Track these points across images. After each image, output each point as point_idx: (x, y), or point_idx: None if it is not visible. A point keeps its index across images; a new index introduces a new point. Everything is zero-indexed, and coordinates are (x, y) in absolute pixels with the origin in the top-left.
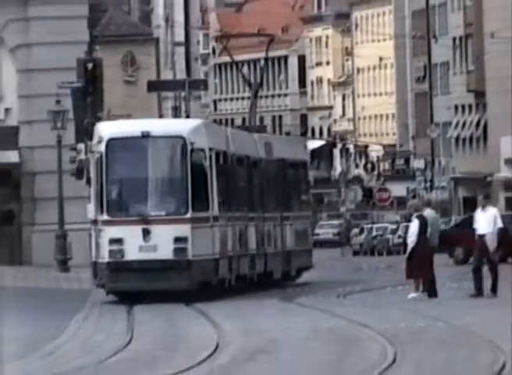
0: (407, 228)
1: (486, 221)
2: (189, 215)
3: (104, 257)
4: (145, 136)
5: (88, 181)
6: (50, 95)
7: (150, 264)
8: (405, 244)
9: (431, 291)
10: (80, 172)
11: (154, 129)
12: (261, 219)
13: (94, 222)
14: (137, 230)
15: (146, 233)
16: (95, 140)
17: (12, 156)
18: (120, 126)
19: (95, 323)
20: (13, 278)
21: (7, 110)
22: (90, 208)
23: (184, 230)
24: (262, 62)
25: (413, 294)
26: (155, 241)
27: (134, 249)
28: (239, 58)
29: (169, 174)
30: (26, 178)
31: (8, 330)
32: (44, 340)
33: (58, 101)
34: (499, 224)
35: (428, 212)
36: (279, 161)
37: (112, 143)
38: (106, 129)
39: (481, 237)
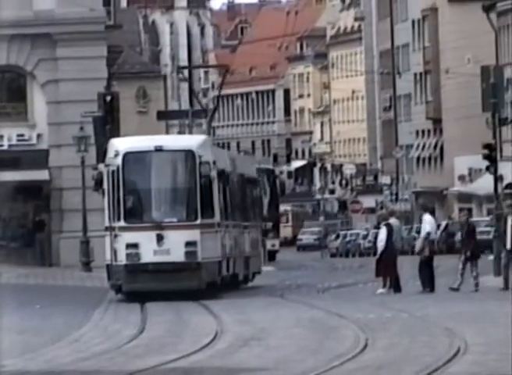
0: (376, 234)
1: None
2: (198, 221)
3: (122, 260)
4: (158, 150)
5: (103, 192)
6: (75, 123)
7: (163, 266)
8: (375, 247)
9: (396, 287)
10: (98, 183)
11: (166, 143)
12: (238, 226)
13: (109, 228)
14: (152, 235)
15: (160, 238)
16: (111, 154)
17: (43, 174)
18: (135, 141)
19: (114, 314)
20: (44, 277)
21: (39, 136)
22: (105, 217)
23: (194, 235)
24: (218, 90)
25: (381, 290)
26: (168, 245)
27: (149, 253)
28: (233, 91)
29: (180, 184)
30: (54, 193)
31: (40, 321)
32: (71, 329)
33: (81, 128)
34: (427, 229)
35: (392, 221)
36: (240, 175)
37: (128, 156)
38: (122, 144)
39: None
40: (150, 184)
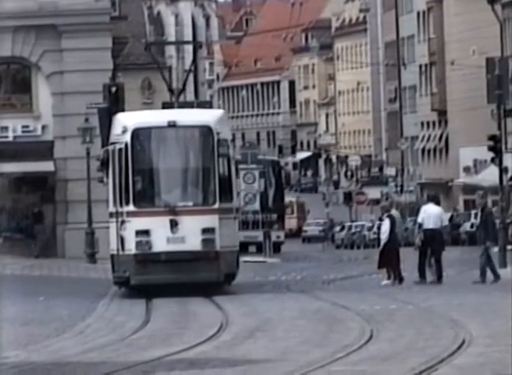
0: (379, 226)
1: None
2: (216, 205)
3: (131, 249)
4: (171, 125)
5: (107, 173)
6: (80, 114)
7: (178, 255)
8: (379, 239)
9: (399, 278)
10: (104, 163)
11: (180, 118)
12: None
13: (115, 214)
14: (165, 221)
15: (173, 224)
16: (118, 130)
17: (48, 166)
18: (145, 115)
19: (118, 306)
20: (49, 269)
21: (44, 127)
22: (109, 201)
23: (212, 221)
24: (189, 67)
25: (386, 281)
26: (183, 232)
27: (162, 241)
28: (238, 83)
29: (196, 164)
30: (60, 184)
31: (45, 312)
32: (76, 320)
33: (86, 120)
34: (418, 220)
35: (393, 213)
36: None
37: (137, 133)
38: (130, 119)
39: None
40: (162, 164)
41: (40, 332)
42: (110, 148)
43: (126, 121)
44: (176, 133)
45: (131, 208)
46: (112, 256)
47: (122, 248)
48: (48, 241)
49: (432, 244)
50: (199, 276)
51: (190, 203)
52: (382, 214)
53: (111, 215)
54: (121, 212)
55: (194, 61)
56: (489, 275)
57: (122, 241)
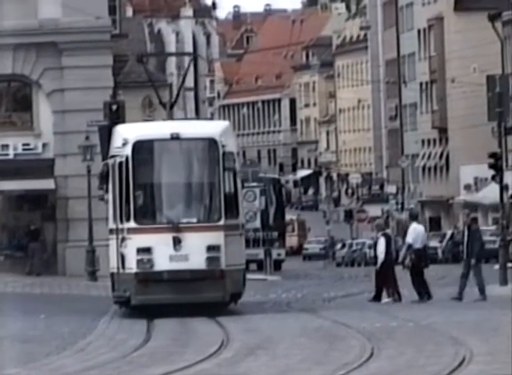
0: (374, 243)
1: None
2: (222, 222)
3: (131, 267)
4: (175, 138)
5: (107, 188)
6: (80, 132)
7: (181, 274)
8: (375, 257)
9: (398, 296)
10: (104, 177)
11: (183, 131)
12: None
13: (116, 231)
14: (167, 238)
15: (177, 241)
16: (118, 142)
17: (48, 184)
18: (147, 127)
19: (119, 323)
20: (50, 286)
21: (44, 145)
22: (109, 217)
23: (217, 238)
24: (183, 76)
25: (386, 300)
26: (187, 250)
27: (164, 259)
28: (239, 100)
29: (201, 178)
30: (60, 202)
31: (46, 330)
32: (76, 338)
33: (87, 138)
34: (409, 240)
35: (414, 225)
36: None
37: (138, 145)
38: (131, 131)
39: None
40: (165, 178)
41: (41, 350)
42: (110, 161)
43: (127, 133)
44: (179, 145)
45: (132, 224)
46: (112, 275)
47: (123, 267)
48: (49, 259)
49: (420, 263)
50: (203, 297)
51: (194, 219)
52: (377, 232)
53: (111, 231)
54: (121, 229)
55: (187, 70)
56: (469, 291)
57: (122, 258)
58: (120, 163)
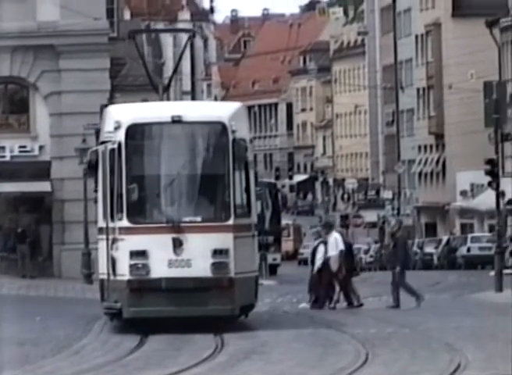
0: (314, 250)
1: (330, 245)
2: (231, 221)
3: (124, 274)
4: (176, 121)
5: (96, 180)
6: (77, 135)
7: (182, 283)
8: (312, 262)
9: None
10: (91, 167)
11: (187, 113)
12: None
13: (105, 230)
14: (166, 239)
15: (177, 243)
16: (109, 126)
17: (45, 186)
18: (143, 109)
19: (114, 326)
20: (45, 289)
21: (41, 147)
22: (99, 214)
23: (225, 240)
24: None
25: (304, 304)
26: (189, 254)
27: (162, 264)
28: None
29: (207, 170)
30: (56, 204)
31: (40, 333)
32: (71, 341)
33: (84, 140)
34: (341, 247)
35: (335, 235)
36: None
37: (133, 130)
38: (125, 113)
39: (328, 259)
40: (164, 169)
41: (36, 352)
42: (100, 148)
43: (120, 115)
44: (181, 130)
45: (125, 223)
46: (102, 282)
47: (114, 273)
48: (44, 261)
49: (341, 270)
50: (208, 309)
51: (198, 218)
52: (324, 230)
53: (100, 231)
54: (112, 228)
55: (185, 47)
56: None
57: (113, 263)
58: (112, 151)
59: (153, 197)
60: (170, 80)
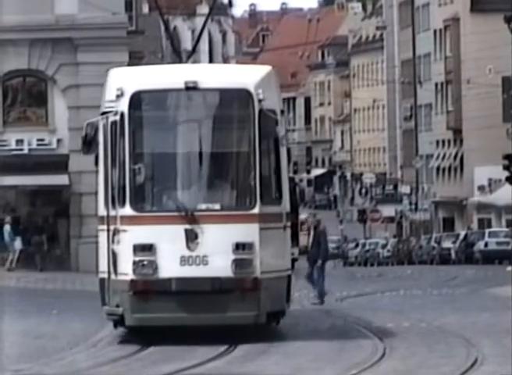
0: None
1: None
2: (256, 210)
3: (126, 273)
4: (190, 88)
5: (97, 159)
6: None
7: (197, 284)
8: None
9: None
10: (89, 143)
11: (203, 79)
12: None
13: (106, 219)
14: (178, 231)
15: (191, 236)
16: (111, 94)
17: (63, 179)
18: (152, 73)
19: None
20: (62, 282)
21: (59, 140)
22: (99, 200)
23: (249, 232)
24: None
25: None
26: (205, 250)
27: (173, 262)
28: None
29: (227, 147)
30: (74, 198)
31: (58, 325)
32: (88, 334)
33: None
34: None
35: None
36: None
37: (139, 98)
38: (130, 78)
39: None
40: (176, 146)
41: (53, 345)
42: (99, 119)
43: (124, 80)
44: (197, 99)
45: (127, 210)
46: (102, 281)
47: (115, 271)
48: (62, 255)
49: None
50: (228, 317)
51: (217, 205)
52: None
53: (101, 220)
54: (113, 217)
55: (208, 17)
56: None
57: (114, 259)
58: (113, 123)
59: (162, 179)
60: (194, 48)
